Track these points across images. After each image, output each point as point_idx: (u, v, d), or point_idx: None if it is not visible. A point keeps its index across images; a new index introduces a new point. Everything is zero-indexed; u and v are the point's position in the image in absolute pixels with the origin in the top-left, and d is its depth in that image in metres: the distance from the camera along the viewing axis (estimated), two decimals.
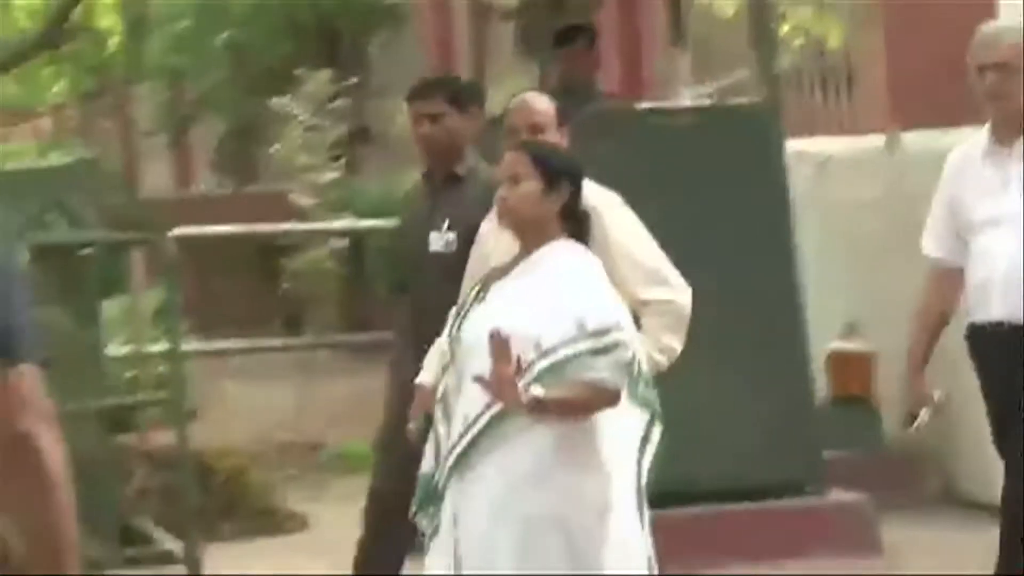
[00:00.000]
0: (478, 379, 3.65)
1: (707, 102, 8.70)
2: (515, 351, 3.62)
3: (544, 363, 3.70)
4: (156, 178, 20.17)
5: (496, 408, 3.69)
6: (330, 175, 12.28)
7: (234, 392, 10.46)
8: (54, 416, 2.43)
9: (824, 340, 7.81)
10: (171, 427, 7.61)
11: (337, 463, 9.42)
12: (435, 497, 3.88)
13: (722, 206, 7.21)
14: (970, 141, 4.78)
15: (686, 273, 6.42)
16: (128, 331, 8.09)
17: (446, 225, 5.45)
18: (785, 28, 9.22)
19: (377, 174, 14.07)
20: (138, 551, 7.08)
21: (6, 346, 2.45)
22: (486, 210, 4.54)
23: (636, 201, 6.64)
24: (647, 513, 3.97)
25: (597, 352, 3.70)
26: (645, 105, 8.59)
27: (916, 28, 8.64)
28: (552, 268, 3.87)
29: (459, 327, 3.94)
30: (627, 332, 3.86)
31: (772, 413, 7.07)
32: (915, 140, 8.33)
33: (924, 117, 8.34)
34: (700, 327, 6.65)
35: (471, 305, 3.97)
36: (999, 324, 4.50)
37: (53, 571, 2.48)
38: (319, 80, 12.38)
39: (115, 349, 7.91)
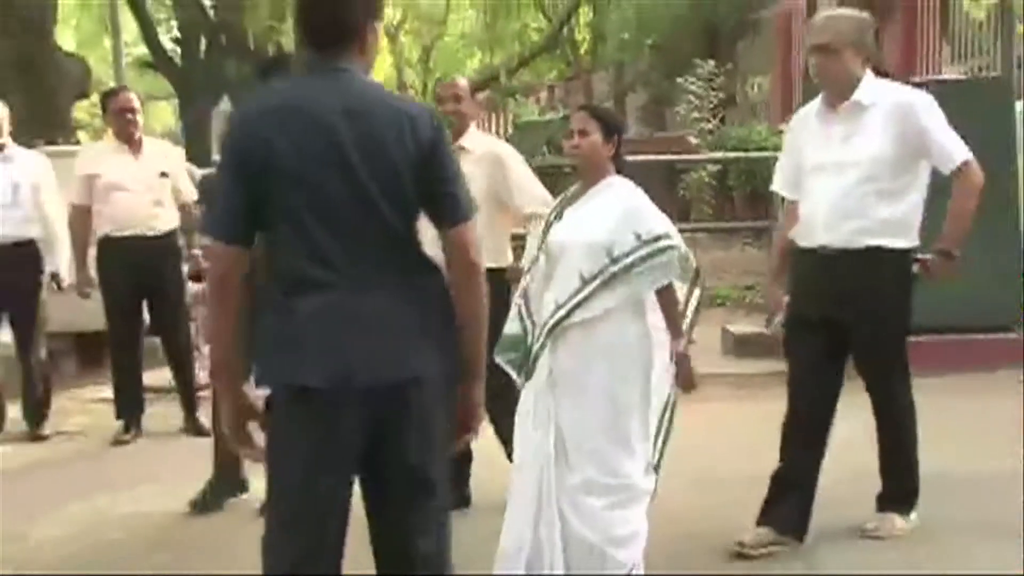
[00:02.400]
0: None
1: (960, 77, 8.14)
2: (592, 256, 3.34)
3: (614, 268, 3.33)
4: None
5: (580, 297, 3.34)
6: (710, 125, 12.29)
7: None
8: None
9: None
10: None
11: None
12: (530, 356, 3.45)
13: (971, 143, 6.70)
14: (813, 102, 3.96)
15: (937, 198, 6.33)
16: None
17: None
18: (1020, 29, 8.44)
19: (738, 125, 13.80)
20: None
21: (463, 208, 2.45)
22: None
23: None
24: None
25: (653, 254, 3.35)
26: (916, 79, 8.21)
27: None
28: (612, 195, 3.47)
29: (544, 239, 3.52)
30: (675, 236, 3.42)
31: (991, 274, 6.57)
32: None
33: None
34: None
35: (552, 223, 3.55)
36: (823, 247, 3.74)
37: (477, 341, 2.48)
38: (707, 67, 12.29)
39: None
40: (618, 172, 3.54)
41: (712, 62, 12.48)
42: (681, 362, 3.44)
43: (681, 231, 3.57)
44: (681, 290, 3.49)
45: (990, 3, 8.51)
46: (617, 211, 3.41)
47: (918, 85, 7.44)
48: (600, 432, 3.35)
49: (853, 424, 4.04)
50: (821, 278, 3.76)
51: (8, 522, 4.45)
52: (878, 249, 3.69)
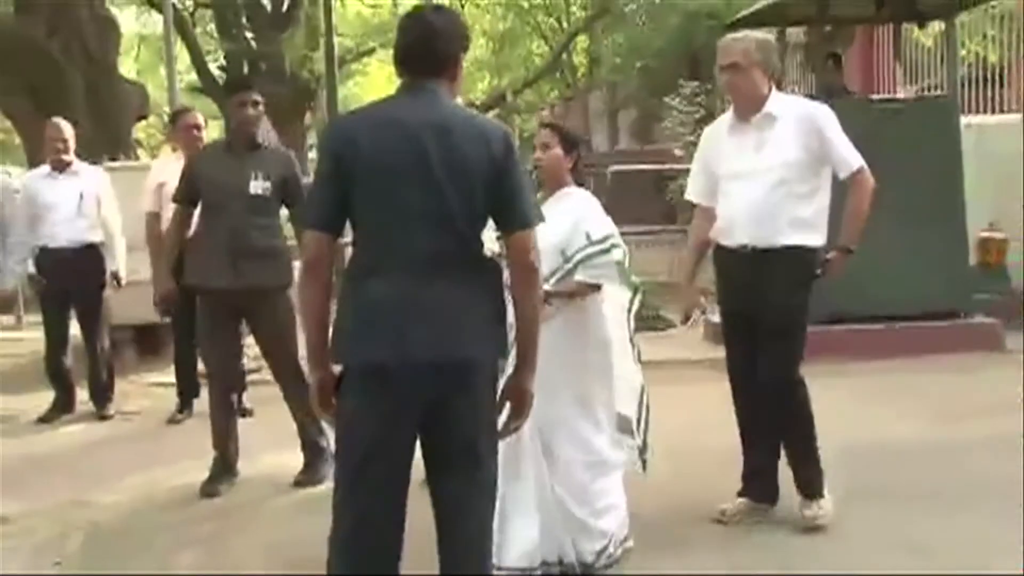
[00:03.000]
0: None
1: (913, 96, 8.12)
2: (549, 258, 3.09)
3: (568, 265, 3.26)
4: (599, 140, 20.23)
5: None
6: (693, 138, 12.18)
7: (633, 254, 10.34)
8: None
9: (976, 230, 7.19)
10: None
11: None
12: None
13: (920, 156, 6.69)
14: (721, 118, 3.88)
15: (898, 193, 6.37)
16: None
17: None
18: (963, 52, 8.41)
19: None
20: None
21: (526, 217, 2.48)
22: None
23: (861, 151, 6.33)
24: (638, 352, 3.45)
25: (600, 253, 3.27)
26: (875, 97, 8.19)
27: None
28: (570, 203, 3.37)
29: None
30: (617, 238, 3.33)
31: (944, 267, 6.68)
32: None
33: None
34: (907, 216, 6.49)
35: None
36: (743, 246, 3.66)
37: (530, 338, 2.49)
38: (690, 87, 12.23)
39: None
40: (579, 184, 3.48)
41: (695, 82, 12.44)
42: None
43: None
44: (625, 296, 3.40)
45: (936, 32, 8.49)
46: (573, 217, 3.33)
47: (878, 102, 7.55)
48: (570, 414, 3.29)
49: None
50: (742, 274, 3.70)
51: (77, 490, 4.50)
52: (793, 247, 3.62)
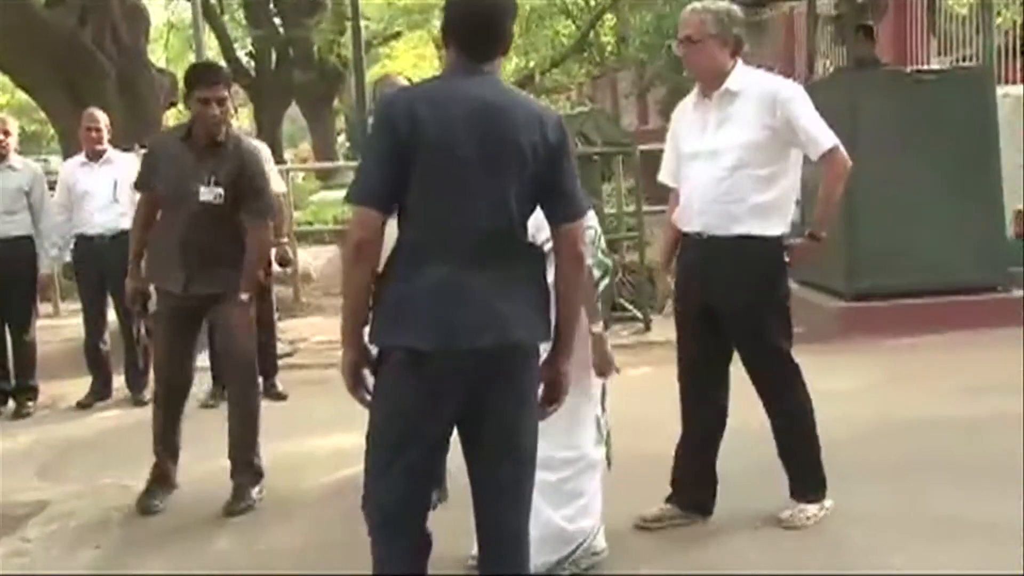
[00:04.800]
0: None
1: (946, 67, 7.96)
2: None
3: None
4: (629, 119, 20.07)
5: None
6: None
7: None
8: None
9: (1013, 203, 6.96)
10: (636, 251, 7.62)
11: None
12: None
13: (955, 128, 6.58)
14: (691, 94, 3.58)
15: (933, 166, 6.29)
16: (614, 200, 8.15)
17: None
18: (999, 21, 8.24)
19: None
20: (619, 314, 7.17)
21: (576, 206, 2.42)
22: None
23: (893, 124, 6.24)
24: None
25: None
26: (908, 69, 8.05)
27: None
28: None
29: None
30: (594, 221, 3.09)
31: (979, 241, 6.56)
32: None
33: None
34: (942, 189, 6.39)
35: None
36: (698, 234, 3.42)
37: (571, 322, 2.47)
38: None
39: (608, 210, 7.95)
40: None
41: None
42: (598, 343, 3.11)
43: None
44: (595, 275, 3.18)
45: (972, 0, 8.31)
46: None
47: (911, 74, 7.42)
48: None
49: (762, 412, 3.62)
50: (697, 262, 3.46)
51: (115, 475, 4.54)
52: (748, 236, 3.35)
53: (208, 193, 3.94)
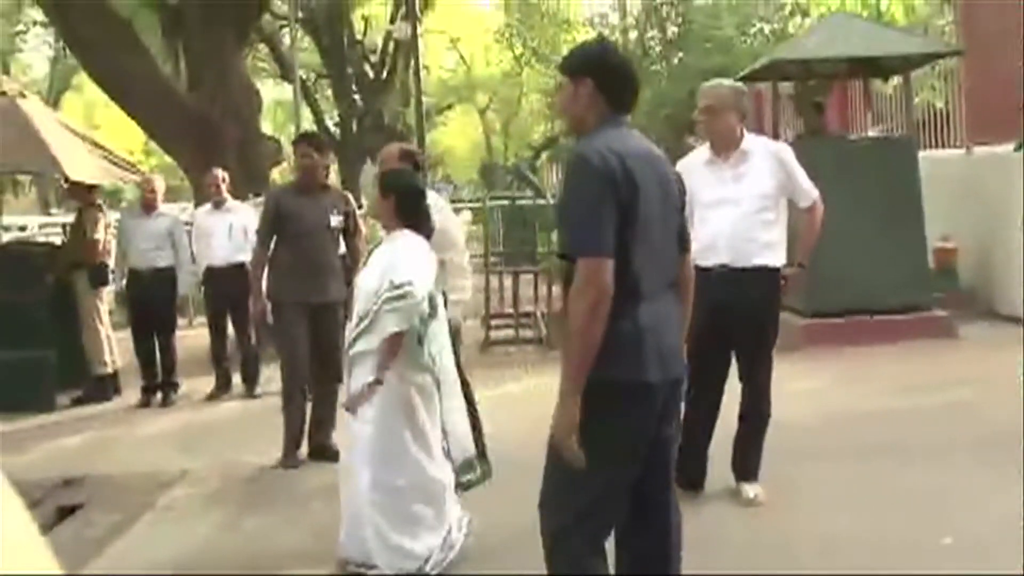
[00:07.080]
0: None
1: (879, 135, 7.95)
2: (365, 299, 2.84)
3: (375, 308, 2.82)
4: None
5: (356, 332, 2.89)
6: None
7: None
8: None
9: (933, 241, 6.99)
10: None
11: None
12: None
13: (887, 182, 6.58)
14: (694, 153, 3.57)
15: (871, 211, 6.29)
16: None
17: None
18: (917, 100, 8.25)
19: None
20: None
21: (689, 239, 2.27)
22: None
23: (840, 178, 6.25)
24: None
25: (393, 299, 2.77)
26: (850, 136, 8.05)
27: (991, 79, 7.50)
28: (390, 247, 2.92)
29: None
30: (418, 287, 2.77)
31: (907, 270, 6.50)
32: (980, 149, 7.42)
33: (989, 133, 7.25)
34: (878, 230, 6.38)
35: (362, 267, 3.10)
36: (722, 266, 3.33)
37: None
38: None
39: None
40: (409, 226, 2.97)
41: None
42: (372, 386, 2.85)
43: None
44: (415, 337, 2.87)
45: (896, 84, 8.37)
46: (387, 261, 2.89)
47: (852, 140, 7.43)
48: (386, 441, 2.84)
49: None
50: (718, 291, 3.25)
51: (235, 452, 4.66)
52: (762, 267, 3.40)
53: (336, 220, 4.28)
